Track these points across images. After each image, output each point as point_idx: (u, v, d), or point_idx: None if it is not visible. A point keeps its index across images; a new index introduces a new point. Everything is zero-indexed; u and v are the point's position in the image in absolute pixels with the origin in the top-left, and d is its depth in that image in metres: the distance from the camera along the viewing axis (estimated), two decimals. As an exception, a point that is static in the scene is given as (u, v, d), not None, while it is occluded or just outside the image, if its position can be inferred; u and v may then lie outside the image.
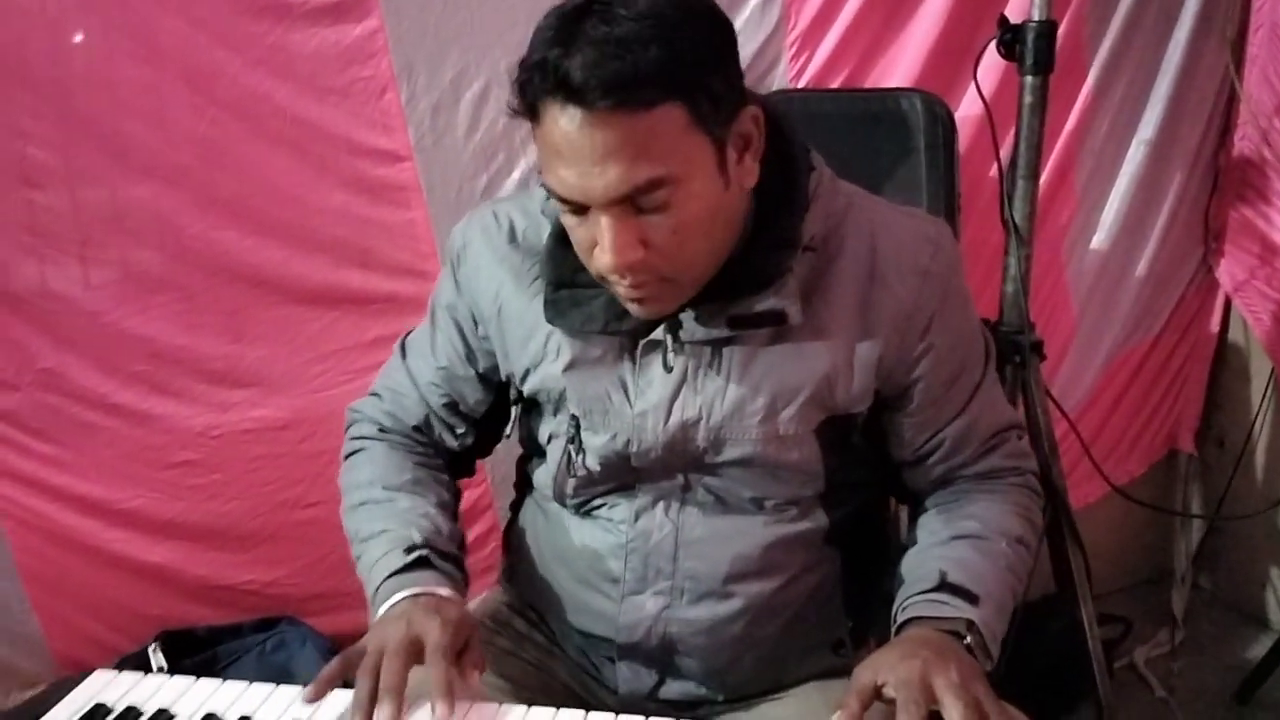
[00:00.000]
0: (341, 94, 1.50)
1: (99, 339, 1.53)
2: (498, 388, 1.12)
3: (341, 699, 0.91)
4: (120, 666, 1.54)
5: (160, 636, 1.54)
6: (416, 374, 1.13)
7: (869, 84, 1.68)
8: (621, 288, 0.91)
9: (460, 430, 1.14)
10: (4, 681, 1.62)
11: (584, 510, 1.08)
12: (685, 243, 0.88)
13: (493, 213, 1.07)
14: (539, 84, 0.82)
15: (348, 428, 1.18)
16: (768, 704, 1.08)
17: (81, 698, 0.95)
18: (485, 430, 1.16)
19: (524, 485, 1.18)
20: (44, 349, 1.51)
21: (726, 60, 0.87)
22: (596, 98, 0.80)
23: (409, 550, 0.99)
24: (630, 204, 0.84)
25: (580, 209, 0.87)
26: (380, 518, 1.04)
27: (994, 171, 1.57)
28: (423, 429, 1.14)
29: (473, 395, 1.12)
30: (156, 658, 1.47)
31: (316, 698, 0.90)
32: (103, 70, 1.41)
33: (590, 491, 1.06)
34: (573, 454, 1.04)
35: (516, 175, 1.59)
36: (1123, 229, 1.92)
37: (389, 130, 1.53)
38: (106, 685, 0.96)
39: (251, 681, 0.95)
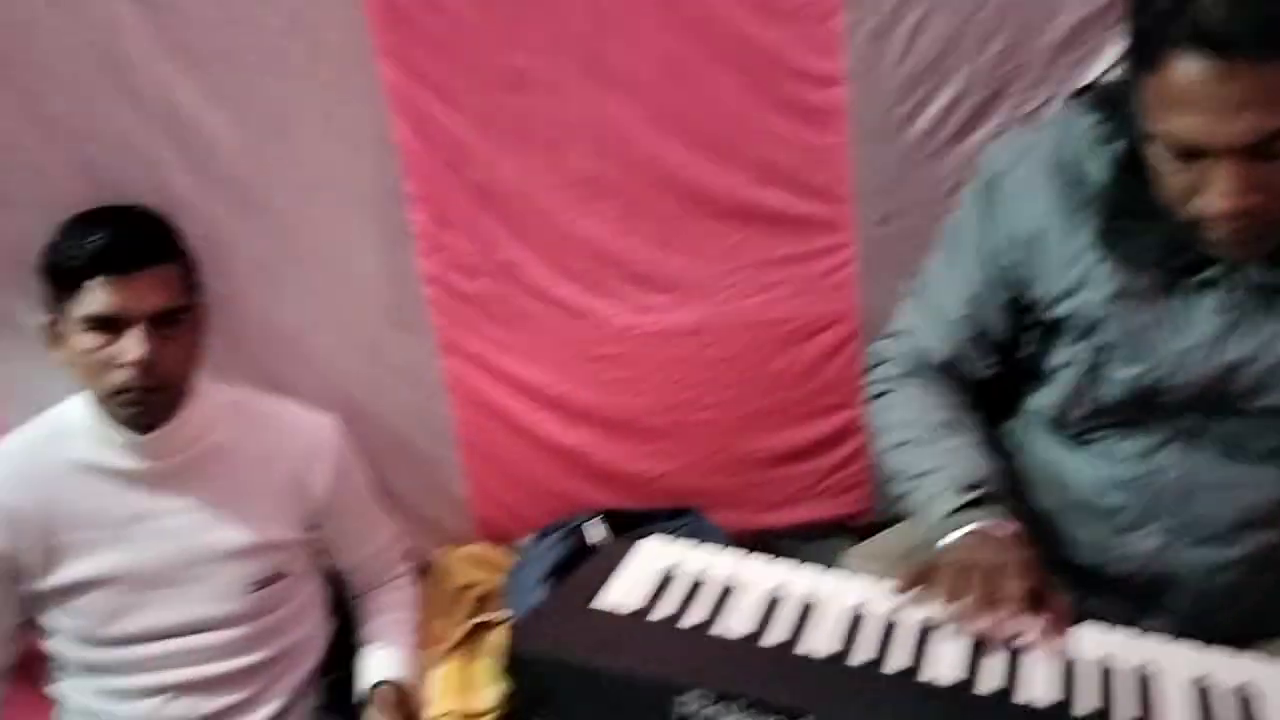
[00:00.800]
0: (790, 16, 1.59)
1: (551, 236, 1.69)
2: (1020, 312, 1.14)
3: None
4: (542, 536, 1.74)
5: (601, 513, 1.68)
6: (941, 310, 1.17)
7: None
8: (1222, 231, 0.92)
9: (990, 360, 1.18)
10: (427, 537, 1.81)
11: (1083, 439, 1.10)
12: None
13: (1036, 137, 1.10)
14: (1169, 32, 0.85)
15: (870, 369, 1.24)
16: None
17: (645, 565, 1.05)
18: (1009, 357, 1.18)
19: (1002, 408, 1.21)
20: (506, 241, 1.68)
21: None
22: (1241, 47, 0.81)
23: (968, 488, 1.05)
24: (1252, 151, 0.86)
25: (1191, 154, 0.89)
26: (929, 457, 1.10)
27: None
28: (951, 364, 1.18)
29: (1001, 324, 1.15)
30: (595, 531, 1.62)
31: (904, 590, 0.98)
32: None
33: (1096, 421, 1.08)
34: (1087, 383, 1.06)
35: (942, 102, 1.64)
36: None
37: (827, 54, 1.62)
38: (659, 553, 1.08)
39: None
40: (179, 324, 1.38)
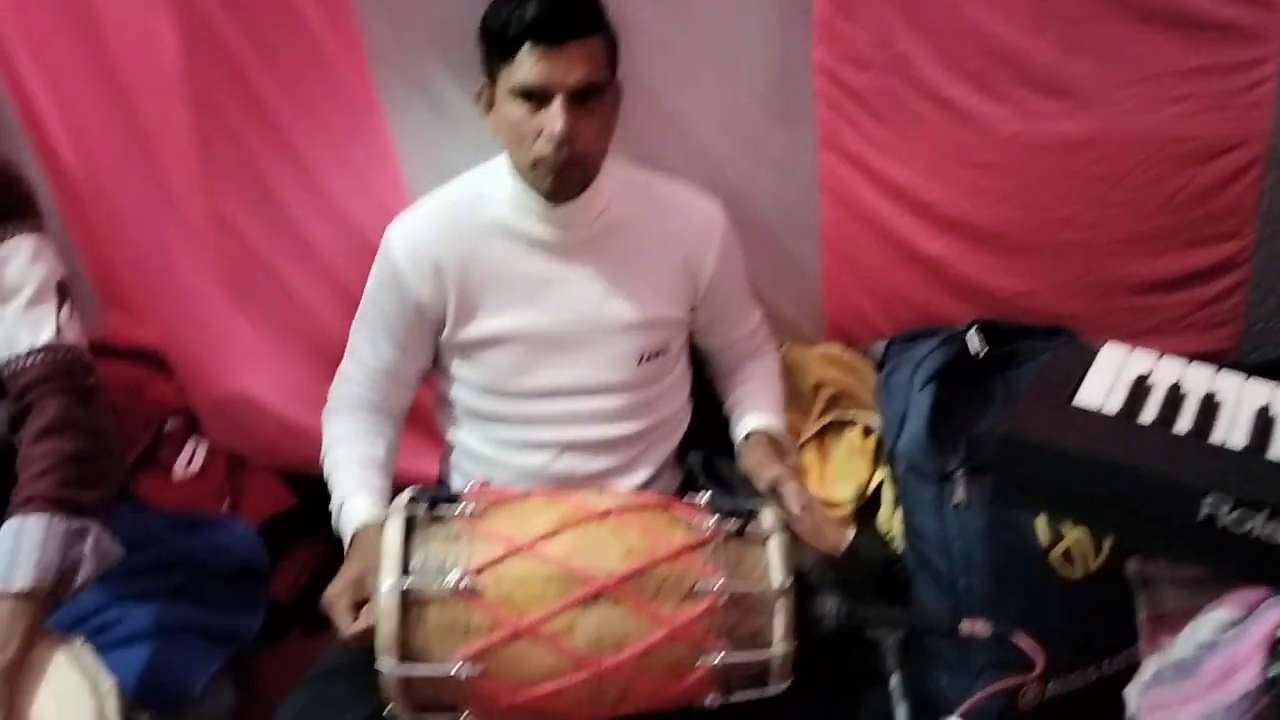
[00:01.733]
0: None
1: (951, 30, 1.60)
2: None
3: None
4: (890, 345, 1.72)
5: (974, 324, 1.64)
6: None
7: None
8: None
9: None
10: (781, 333, 1.82)
11: None
12: None
13: None
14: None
15: None
16: None
17: (1114, 368, 1.02)
18: None
19: None
20: (904, 33, 1.61)
21: None
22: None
23: None
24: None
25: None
26: None
27: None
28: None
29: None
30: (974, 341, 1.59)
31: None
32: None
33: None
34: None
35: None
36: None
37: None
38: (1125, 358, 1.04)
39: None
40: (598, 100, 1.39)
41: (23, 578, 1.23)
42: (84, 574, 1.29)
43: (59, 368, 1.35)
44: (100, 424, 1.37)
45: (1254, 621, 0.90)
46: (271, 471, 1.89)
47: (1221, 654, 0.91)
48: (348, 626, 1.30)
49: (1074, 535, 1.47)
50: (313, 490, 1.61)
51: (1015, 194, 1.72)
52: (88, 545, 1.30)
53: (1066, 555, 1.49)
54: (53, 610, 1.28)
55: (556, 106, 1.33)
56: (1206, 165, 1.67)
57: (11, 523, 1.27)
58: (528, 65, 1.35)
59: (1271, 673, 0.85)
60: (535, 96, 1.36)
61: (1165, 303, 1.79)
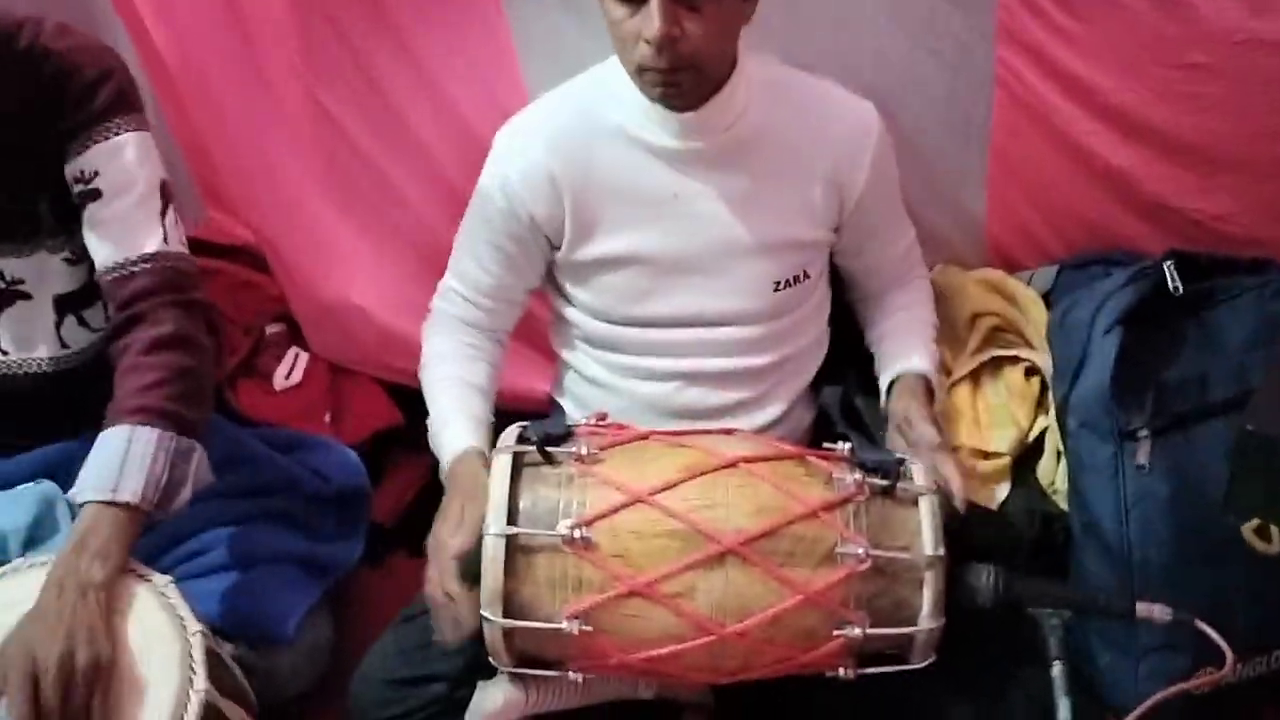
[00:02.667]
0: None
1: (1169, -99, 1.34)
2: None
3: None
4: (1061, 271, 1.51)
5: (1170, 255, 1.43)
6: None
7: None
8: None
9: None
10: (934, 254, 1.62)
11: None
12: None
13: None
14: None
15: None
16: None
17: None
18: None
19: None
20: (1108, -95, 1.36)
21: None
22: None
23: None
24: None
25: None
26: None
27: None
28: None
29: None
30: (1171, 278, 1.38)
31: None
32: None
33: None
34: None
35: None
36: None
37: None
38: None
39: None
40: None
41: (129, 489, 1.18)
42: (184, 495, 1.24)
43: (168, 277, 1.29)
44: (205, 340, 1.31)
45: None
46: (375, 384, 1.79)
47: None
48: (452, 581, 1.18)
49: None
50: (418, 405, 1.50)
51: (1224, 100, 1.46)
52: (192, 465, 1.24)
53: (1262, 530, 1.30)
54: (146, 531, 1.22)
55: (654, 5, 1.14)
56: None
57: (118, 430, 1.20)
58: None
59: None
60: None
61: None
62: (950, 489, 1.23)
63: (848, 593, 1.14)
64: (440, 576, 1.18)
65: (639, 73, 1.23)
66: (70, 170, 1.29)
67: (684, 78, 1.22)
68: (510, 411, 1.41)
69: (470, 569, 1.15)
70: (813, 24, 1.49)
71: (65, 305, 1.38)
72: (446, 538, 1.19)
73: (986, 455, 1.47)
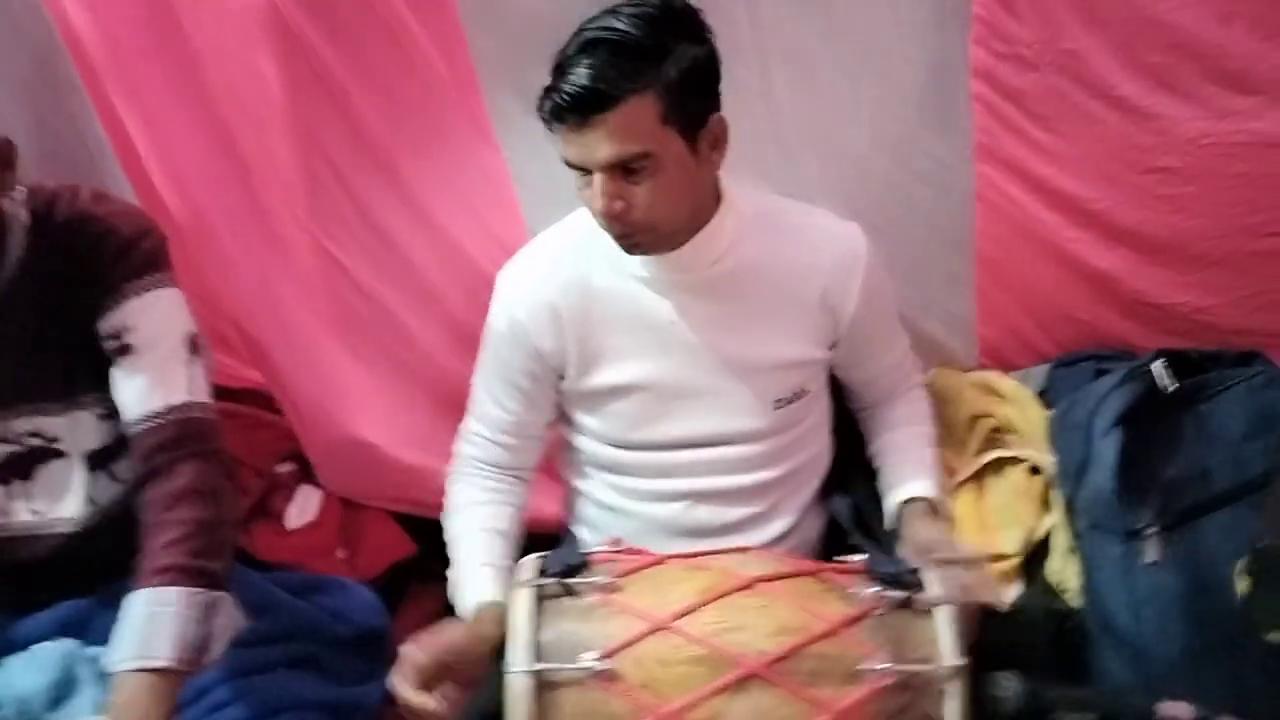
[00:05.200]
0: None
1: (1129, 23, 1.43)
2: None
3: None
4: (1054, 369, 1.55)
5: (1159, 355, 1.47)
6: None
7: None
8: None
9: None
10: (928, 359, 1.67)
11: None
12: None
13: None
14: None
15: None
16: None
17: None
18: None
19: None
20: (1075, 28, 1.44)
21: None
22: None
23: None
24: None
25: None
26: None
27: None
28: None
29: None
30: (1162, 376, 1.42)
31: None
32: None
33: None
34: None
35: None
36: None
37: None
38: None
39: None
40: (648, 167, 1.21)
41: (162, 653, 1.19)
42: (215, 649, 1.26)
43: (191, 429, 1.32)
44: (226, 488, 1.33)
45: None
46: (387, 516, 1.81)
47: None
48: (407, 688, 1.19)
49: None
50: (432, 534, 1.52)
51: (1198, 200, 1.53)
52: (219, 619, 1.26)
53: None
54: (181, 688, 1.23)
55: (596, 182, 1.22)
56: None
57: (146, 594, 1.22)
58: (562, 142, 1.22)
59: None
60: (580, 169, 1.23)
61: (1372, 315, 1.58)
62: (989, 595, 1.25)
63: (874, 710, 1.14)
64: (395, 679, 1.20)
65: (605, 229, 1.29)
66: (104, 325, 1.33)
67: (641, 238, 1.27)
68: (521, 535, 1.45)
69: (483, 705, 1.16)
70: (801, 155, 1.55)
71: (97, 461, 1.41)
72: (419, 649, 1.22)
73: (995, 557, 1.48)
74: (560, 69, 1.20)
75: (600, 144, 1.19)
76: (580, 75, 1.18)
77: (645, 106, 1.19)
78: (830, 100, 1.51)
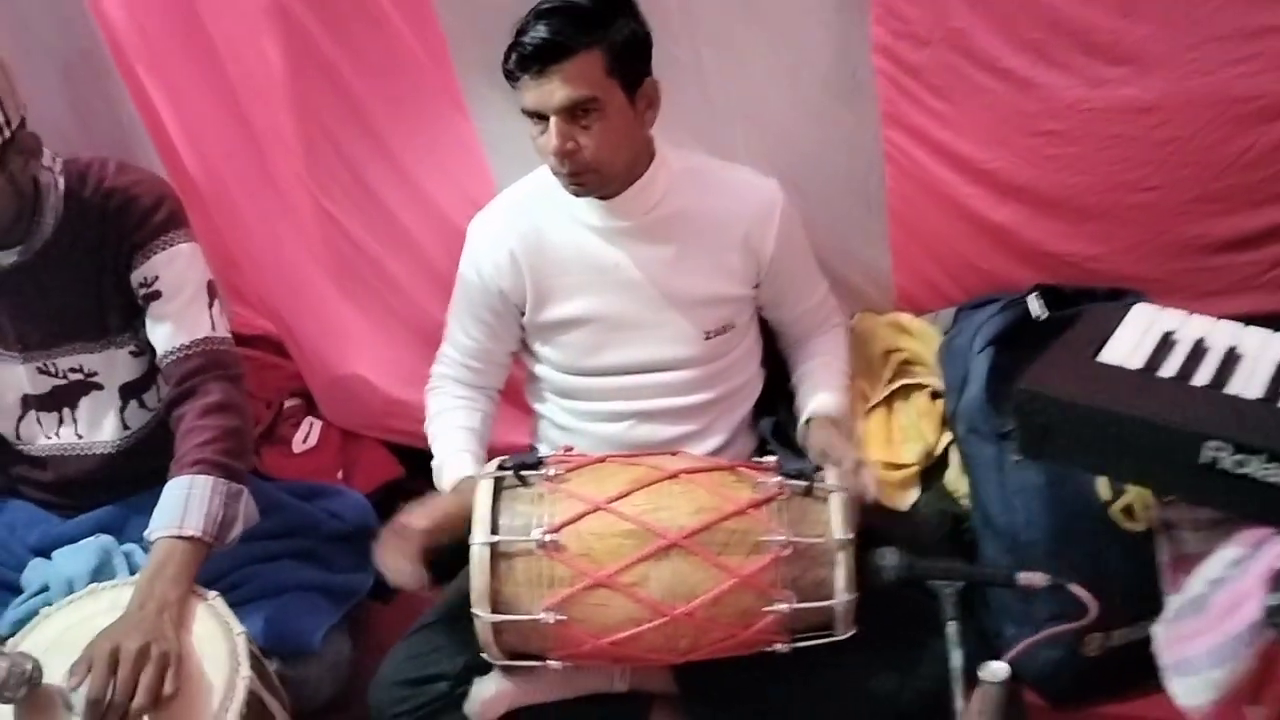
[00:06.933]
0: None
1: (1007, 3, 1.64)
2: None
3: None
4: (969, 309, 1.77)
5: (1037, 289, 1.69)
6: None
7: None
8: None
9: None
10: (848, 304, 1.89)
11: None
12: None
13: None
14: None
15: None
16: None
17: (1142, 326, 1.07)
18: None
19: None
20: (959, 8, 1.65)
21: None
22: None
23: None
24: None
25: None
26: None
27: None
28: None
29: None
30: (1035, 305, 1.64)
31: None
32: None
33: None
34: None
35: None
36: None
37: None
38: (1154, 317, 1.09)
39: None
40: (597, 111, 1.43)
41: (193, 526, 1.42)
42: (236, 530, 1.49)
43: (215, 358, 1.56)
44: (247, 406, 1.57)
45: (1257, 557, 0.95)
46: (379, 444, 2.06)
47: (1228, 589, 0.97)
48: (397, 558, 1.42)
49: (1135, 490, 1.50)
50: (417, 460, 1.75)
51: (1079, 160, 1.73)
52: (241, 506, 1.50)
53: (1128, 510, 1.53)
54: (207, 559, 1.46)
55: (551, 126, 1.43)
56: (1272, 124, 1.66)
57: (181, 479, 1.46)
58: (523, 92, 1.44)
59: (1270, 603, 0.91)
60: (537, 117, 1.45)
61: (1235, 263, 1.78)
62: (868, 489, 1.44)
63: (775, 574, 1.36)
64: (382, 542, 1.44)
65: (555, 175, 1.53)
66: (135, 277, 1.57)
67: (588, 179, 1.49)
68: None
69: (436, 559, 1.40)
70: (729, 118, 1.77)
71: (129, 392, 1.66)
72: (406, 513, 1.45)
73: (898, 467, 1.71)
74: (522, 30, 1.44)
75: (556, 90, 1.42)
76: (540, 31, 1.42)
77: (594, 59, 1.42)
78: (752, 76, 1.73)
